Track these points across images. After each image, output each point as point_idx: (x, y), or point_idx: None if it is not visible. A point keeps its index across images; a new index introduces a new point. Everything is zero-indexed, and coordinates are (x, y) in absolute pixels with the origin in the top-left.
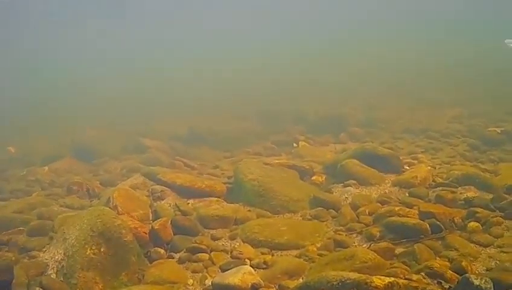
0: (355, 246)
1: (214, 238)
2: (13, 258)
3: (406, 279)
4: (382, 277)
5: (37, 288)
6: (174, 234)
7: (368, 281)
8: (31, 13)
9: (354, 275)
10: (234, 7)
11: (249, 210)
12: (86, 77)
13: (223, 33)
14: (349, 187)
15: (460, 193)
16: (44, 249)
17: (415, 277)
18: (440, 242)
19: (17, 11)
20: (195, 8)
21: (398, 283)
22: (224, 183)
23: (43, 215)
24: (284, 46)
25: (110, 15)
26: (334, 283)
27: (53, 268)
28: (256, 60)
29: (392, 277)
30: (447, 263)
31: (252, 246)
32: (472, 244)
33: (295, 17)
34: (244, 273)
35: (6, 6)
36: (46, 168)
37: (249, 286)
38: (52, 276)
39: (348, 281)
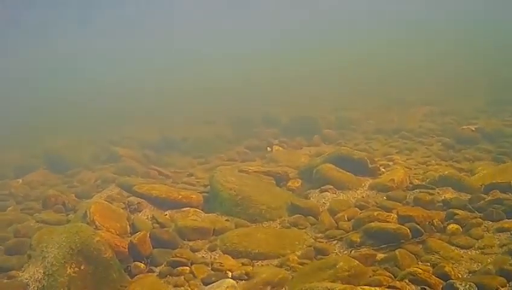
0: (336, 253)
1: (194, 250)
2: None
3: (389, 287)
4: (367, 287)
5: None
6: (153, 247)
7: None
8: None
9: (338, 286)
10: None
11: (227, 220)
12: (59, 84)
13: (198, 35)
14: (326, 192)
15: (438, 194)
16: (23, 269)
17: (399, 284)
18: (421, 246)
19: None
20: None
21: None
22: (201, 192)
23: (19, 232)
24: (256, 49)
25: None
26: None
27: (33, 288)
28: (227, 63)
29: (375, 285)
30: (430, 268)
31: (232, 257)
32: (453, 247)
33: (269, 17)
34: (227, 287)
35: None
36: (20, 180)
37: None
38: None
39: None
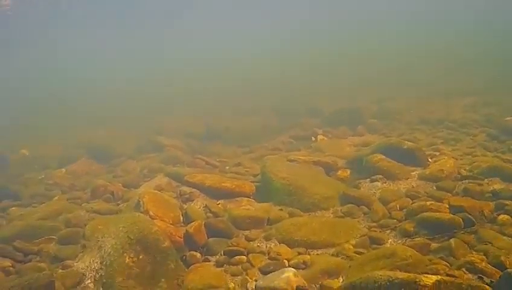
0: (391, 242)
1: (249, 240)
2: (48, 271)
3: (448, 275)
4: (429, 276)
5: None
6: (208, 237)
7: (417, 280)
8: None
9: (401, 275)
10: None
11: (281, 209)
12: (97, 76)
13: (237, 31)
14: (377, 182)
15: (487, 185)
16: (77, 258)
17: (456, 273)
18: (473, 236)
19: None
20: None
21: (444, 280)
22: (251, 181)
23: (70, 222)
24: (295, 42)
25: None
26: (382, 282)
27: (90, 278)
28: (266, 56)
29: (433, 273)
30: (484, 257)
31: (288, 246)
32: (505, 237)
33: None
34: (288, 275)
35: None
36: (64, 170)
37: (294, 288)
38: (90, 286)
39: (396, 281)
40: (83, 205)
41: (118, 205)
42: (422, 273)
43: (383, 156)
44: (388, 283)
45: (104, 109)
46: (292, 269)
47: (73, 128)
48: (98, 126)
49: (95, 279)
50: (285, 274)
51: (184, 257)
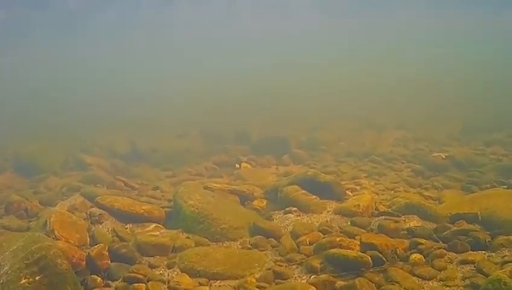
0: (295, 278)
1: (152, 267)
2: None
3: None
4: None
5: None
6: (111, 261)
7: None
8: None
9: None
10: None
11: (188, 237)
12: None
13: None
14: (290, 214)
15: (404, 222)
16: None
17: None
18: (382, 275)
19: None
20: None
21: None
22: (164, 207)
23: None
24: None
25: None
26: None
27: None
28: (199, 79)
29: None
30: None
31: (189, 276)
32: (414, 278)
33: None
34: None
35: None
36: None
37: None
38: None
39: None
40: None
41: (30, 222)
42: None
43: (299, 188)
44: None
45: (45, 119)
46: None
47: (10, 138)
48: (35, 137)
49: None
50: None
51: (85, 281)
